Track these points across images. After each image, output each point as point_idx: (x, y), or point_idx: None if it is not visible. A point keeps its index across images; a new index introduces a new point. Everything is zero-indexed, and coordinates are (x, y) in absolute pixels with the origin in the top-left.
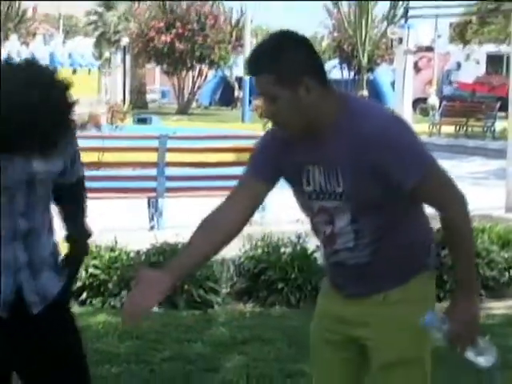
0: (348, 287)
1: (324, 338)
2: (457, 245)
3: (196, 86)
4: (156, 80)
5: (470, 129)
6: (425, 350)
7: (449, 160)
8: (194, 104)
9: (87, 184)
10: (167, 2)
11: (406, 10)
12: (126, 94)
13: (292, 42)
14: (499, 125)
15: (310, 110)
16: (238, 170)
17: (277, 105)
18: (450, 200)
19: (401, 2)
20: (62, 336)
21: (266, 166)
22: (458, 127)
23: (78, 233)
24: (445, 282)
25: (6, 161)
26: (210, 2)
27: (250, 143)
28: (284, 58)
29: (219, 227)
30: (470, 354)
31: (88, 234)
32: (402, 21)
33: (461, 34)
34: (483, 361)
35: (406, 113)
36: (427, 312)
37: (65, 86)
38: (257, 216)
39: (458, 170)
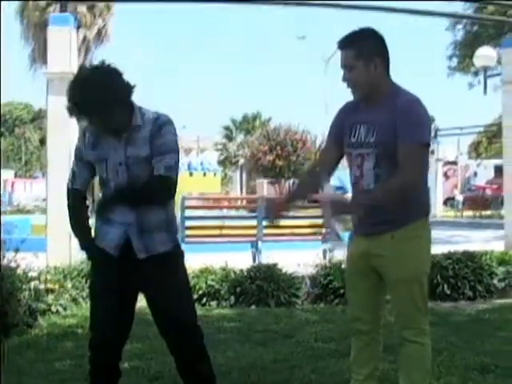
0: (368, 228)
1: (354, 271)
2: (381, 189)
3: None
4: (264, 189)
5: (482, 213)
6: (421, 273)
7: (470, 231)
8: None
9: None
10: (269, 132)
11: (436, 131)
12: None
13: (376, 36)
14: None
15: (372, 81)
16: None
17: (353, 73)
18: (407, 174)
19: (432, 126)
20: (164, 269)
21: (337, 129)
22: (474, 212)
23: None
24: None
25: (117, 143)
26: (300, 131)
27: None
28: (367, 42)
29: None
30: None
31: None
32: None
33: (475, 149)
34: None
35: (438, 206)
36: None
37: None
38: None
39: (476, 235)
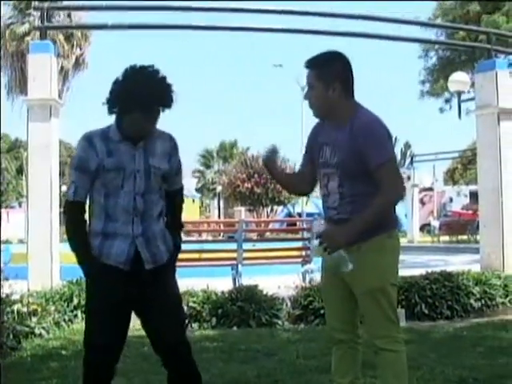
0: None
1: (326, 283)
2: (368, 210)
3: (270, 219)
4: (242, 216)
5: (459, 237)
6: (386, 283)
7: (447, 255)
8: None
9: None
10: (247, 159)
11: (412, 157)
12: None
13: (341, 60)
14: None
15: (330, 103)
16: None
17: (312, 92)
18: (388, 190)
19: (408, 152)
20: (166, 282)
21: (309, 148)
22: (451, 237)
23: (178, 224)
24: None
25: (134, 151)
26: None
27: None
28: (328, 65)
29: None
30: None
31: (181, 226)
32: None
33: (451, 177)
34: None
35: (415, 232)
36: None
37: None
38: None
39: (454, 259)
